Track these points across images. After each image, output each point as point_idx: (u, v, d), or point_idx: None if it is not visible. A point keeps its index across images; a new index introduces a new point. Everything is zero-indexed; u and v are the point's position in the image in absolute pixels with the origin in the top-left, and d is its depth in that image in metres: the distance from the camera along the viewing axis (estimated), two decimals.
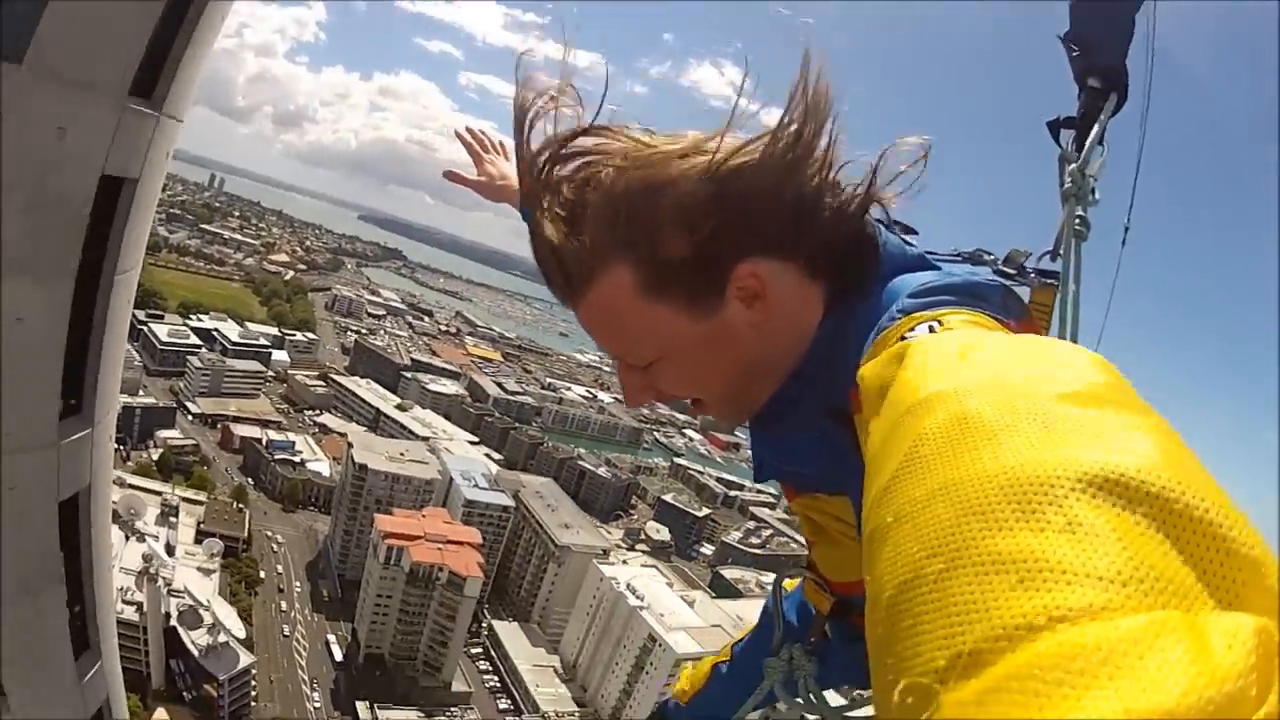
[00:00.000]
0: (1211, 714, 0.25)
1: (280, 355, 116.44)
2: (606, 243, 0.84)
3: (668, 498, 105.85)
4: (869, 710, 1.43)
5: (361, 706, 67.37)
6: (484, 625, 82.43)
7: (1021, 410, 0.42)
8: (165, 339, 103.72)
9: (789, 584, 1.71)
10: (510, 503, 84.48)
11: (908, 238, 0.95)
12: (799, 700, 1.49)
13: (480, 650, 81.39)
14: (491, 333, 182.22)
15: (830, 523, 1.10)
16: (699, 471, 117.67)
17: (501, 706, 74.76)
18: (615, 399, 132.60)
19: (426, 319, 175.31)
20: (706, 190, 0.80)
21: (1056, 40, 1.53)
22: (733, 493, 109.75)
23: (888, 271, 0.88)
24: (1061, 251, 1.35)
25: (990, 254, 1.20)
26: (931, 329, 0.65)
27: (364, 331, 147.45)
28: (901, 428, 0.49)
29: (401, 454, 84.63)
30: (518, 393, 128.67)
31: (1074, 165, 1.36)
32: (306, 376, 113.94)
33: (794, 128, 0.81)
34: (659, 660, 67.12)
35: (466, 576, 71.13)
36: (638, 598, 72.81)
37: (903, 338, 0.66)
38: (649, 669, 69.01)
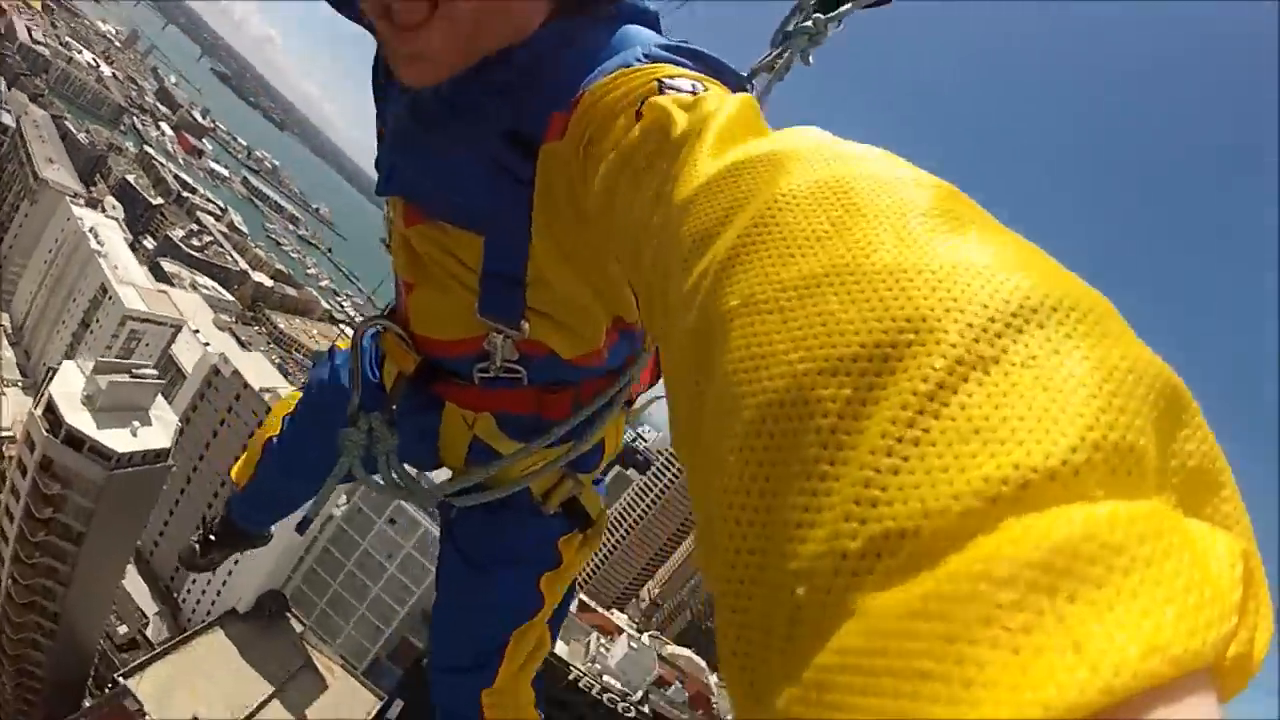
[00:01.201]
0: (1211, 647, 0.21)
1: None
2: None
3: (130, 178, 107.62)
4: (455, 486, 1.22)
5: None
6: None
7: (902, 196, 0.34)
8: None
9: (341, 343, 1.49)
10: (11, 123, 73.73)
11: None
12: (379, 480, 1.25)
13: None
14: None
15: (445, 261, 0.93)
16: (161, 164, 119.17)
17: None
18: (115, 75, 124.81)
19: None
20: None
21: None
22: (185, 194, 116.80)
23: (624, 11, 0.81)
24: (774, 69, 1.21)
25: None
26: (695, 90, 0.58)
27: None
28: (735, 182, 0.40)
29: None
30: (40, 43, 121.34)
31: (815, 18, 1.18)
32: None
33: None
34: (106, 316, 67.54)
35: None
36: (99, 243, 70.57)
37: (661, 82, 0.60)
38: (95, 326, 69.02)
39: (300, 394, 1.69)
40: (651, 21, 0.83)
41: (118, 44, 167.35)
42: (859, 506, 0.24)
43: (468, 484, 1.21)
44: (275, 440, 1.72)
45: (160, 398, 37.98)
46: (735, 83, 0.69)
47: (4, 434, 46.14)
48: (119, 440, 33.23)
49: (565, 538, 1.39)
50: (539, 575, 1.39)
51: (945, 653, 0.20)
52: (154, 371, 38.34)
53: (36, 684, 39.52)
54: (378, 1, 0.72)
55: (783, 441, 0.27)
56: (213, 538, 2.07)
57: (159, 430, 35.81)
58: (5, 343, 70.93)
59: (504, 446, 1.18)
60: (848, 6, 1.19)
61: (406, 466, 1.27)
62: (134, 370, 35.76)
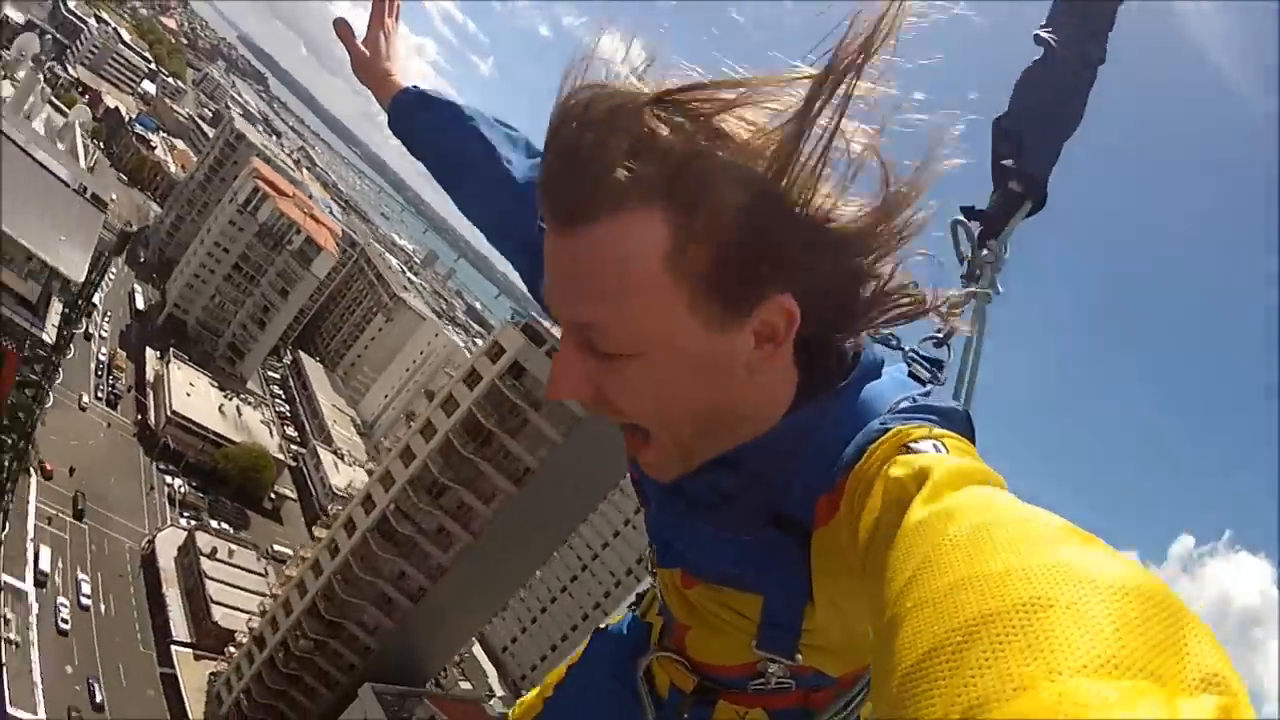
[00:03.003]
0: None
1: (149, 86, 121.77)
2: (659, 187, 0.67)
3: None
4: None
5: (152, 355, 69.21)
6: (286, 355, 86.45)
7: (1032, 528, 0.49)
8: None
9: (615, 617, 1.50)
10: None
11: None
12: None
13: (279, 377, 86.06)
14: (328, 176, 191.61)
15: (722, 613, 0.98)
16: None
17: (289, 433, 79.08)
18: (421, 284, 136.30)
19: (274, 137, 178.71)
20: (793, 212, 0.69)
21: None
22: None
23: (858, 374, 0.82)
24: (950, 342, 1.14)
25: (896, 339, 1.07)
26: (937, 449, 0.67)
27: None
28: (924, 532, 0.53)
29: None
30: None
31: (978, 257, 1.20)
32: (175, 107, 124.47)
33: (908, 213, 0.74)
34: None
35: (321, 249, 68.58)
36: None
37: (906, 447, 0.67)
38: None
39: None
40: (878, 366, 0.85)
41: (417, 260, 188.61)
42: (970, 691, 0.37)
43: None
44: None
45: None
46: (962, 423, 0.76)
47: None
48: None
49: None
50: None
51: None
52: None
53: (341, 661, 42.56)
54: (605, 414, 0.80)
55: (923, 674, 0.41)
56: None
57: None
58: (357, 433, 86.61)
59: None
60: (1015, 220, 1.24)
61: None
62: None
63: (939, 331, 0.95)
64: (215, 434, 67.16)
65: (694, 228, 0.68)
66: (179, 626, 51.05)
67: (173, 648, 49.13)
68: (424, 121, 1.33)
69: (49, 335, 36.46)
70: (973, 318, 1.14)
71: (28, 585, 42.42)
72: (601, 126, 0.68)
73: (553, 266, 0.73)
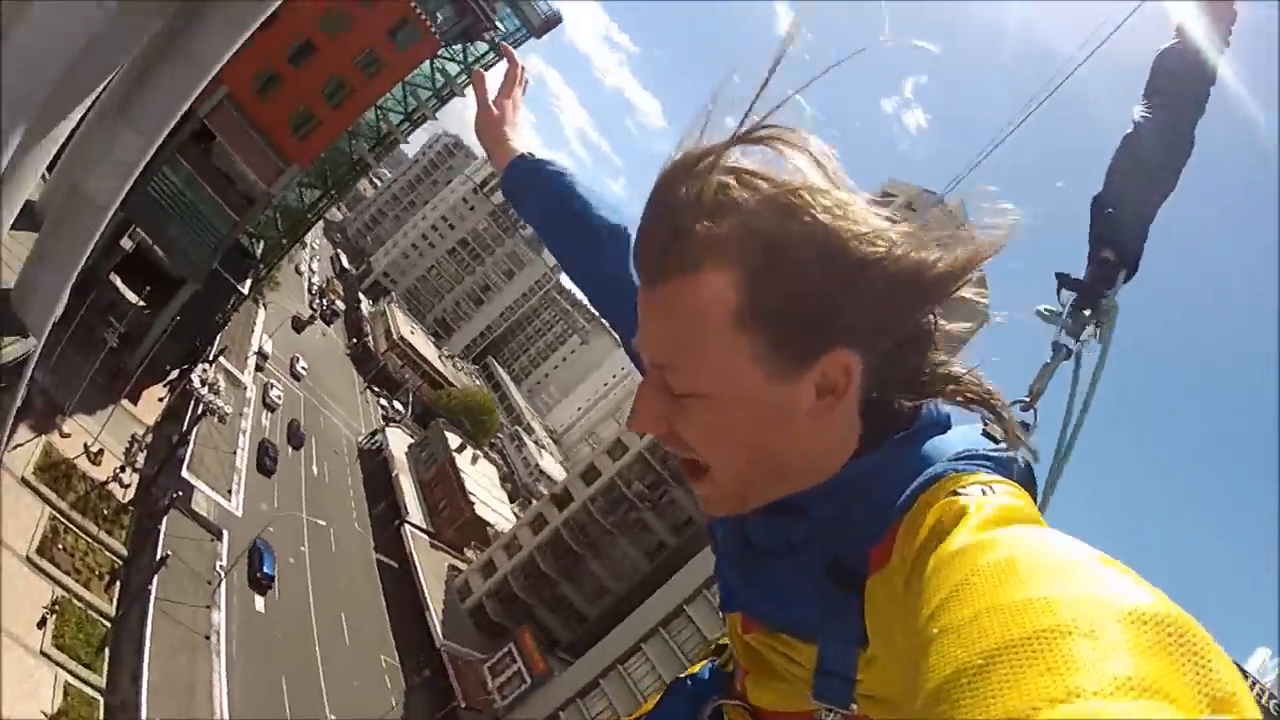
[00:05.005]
0: None
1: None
2: (733, 251, 0.74)
3: None
4: None
5: (365, 300, 68.50)
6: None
7: (1063, 559, 0.52)
8: None
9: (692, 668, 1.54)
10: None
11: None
12: None
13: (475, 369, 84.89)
14: None
15: (779, 660, 1.00)
16: None
17: None
18: None
19: None
20: (863, 268, 0.74)
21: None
22: None
23: (920, 426, 0.86)
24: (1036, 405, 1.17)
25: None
26: (984, 493, 0.69)
27: None
28: (957, 562, 0.57)
29: None
30: None
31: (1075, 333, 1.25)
32: None
33: (976, 274, 0.78)
34: None
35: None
36: None
37: (955, 492, 0.70)
38: None
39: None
40: (942, 420, 0.88)
41: None
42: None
43: None
44: None
45: None
46: (1022, 475, 0.80)
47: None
48: None
49: None
50: None
51: None
52: None
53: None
54: (674, 448, 0.85)
55: (945, 695, 0.43)
56: None
57: None
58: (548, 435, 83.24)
59: None
60: (1116, 286, 1.27)
61: None
62: None
63: (1029, 396, 1.01)
64: (437, 371, 66.02)
65: (759, 288, 0.74)
66: (414, 514, 49.91)
67: (406, 528, 47.47)
68: (534, 193, 1.38)
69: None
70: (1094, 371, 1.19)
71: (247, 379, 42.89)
72: (688, 186, 0.75)
73: (641, 311, 0.82)
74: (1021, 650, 0.42)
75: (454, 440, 58.67)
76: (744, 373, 0.77)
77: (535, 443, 77.48)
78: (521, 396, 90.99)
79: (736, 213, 0.75)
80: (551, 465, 72.97)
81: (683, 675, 1.51)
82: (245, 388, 43.06)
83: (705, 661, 1.46)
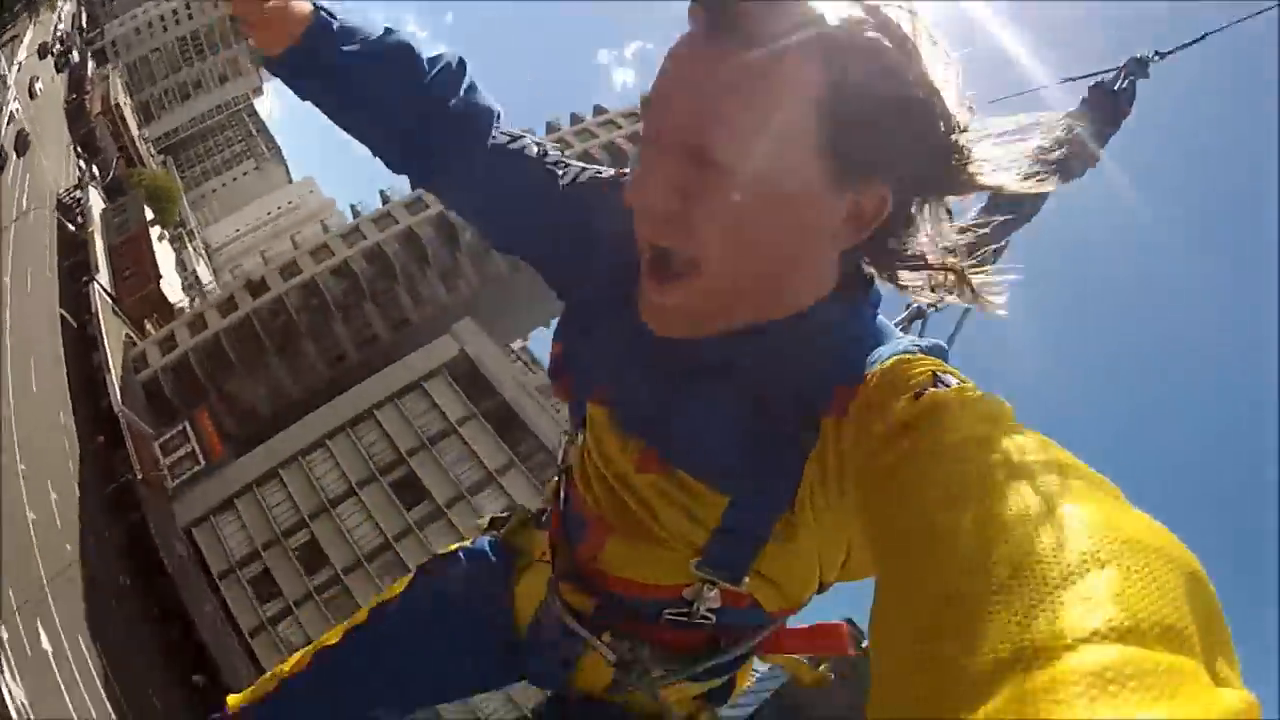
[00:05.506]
0: None
1: None
2: (834, 41, 0.70)
3: None
4: None
5: None
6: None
7: (1098, 482, 0.51)
8: None
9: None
10: None
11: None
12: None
13: None
14: None
15: (671, 515, 0.89)
16: None
17: None
18: None
19: None
20: (935, 131, 0.74)
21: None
22: None
23: (875, 299, 0.86)
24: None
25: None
26: (962, 384, 0.68)
27: None
28: (982, 448, 0.55)
29: None
30: None
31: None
32: None
33: (1051, 174, 0.76)
34: None
35: None
36: None
37: (935, 375, 0.68)
38: None
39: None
40: (877, 307, 0.88)
41: None
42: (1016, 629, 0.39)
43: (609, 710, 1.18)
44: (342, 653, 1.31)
45: None
46: (946, 357, 0.79)
47: None
48: None
49: None
50: None
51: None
52: None
53: None
54: (648, 228, 0.77)
55: (966, 598, 0.43)
56: None
57: None
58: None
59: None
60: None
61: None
62: None
63: (932, 306, 1.02)
64: (136, 150, 68.93)
65: (846, 94, 0.70)
66: (103, 276, 47.47)
67: (94, 286, 45.02)
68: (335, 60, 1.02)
69: None
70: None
71: None
72: None
73: (684, 73, 0.73)
74: (1057, 570, 0.41)
75: (149, 213, 62.55)
76: (803, 162, 0.72)
77: (194, 250, 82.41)
78: (187, 203, 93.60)
79: (859, 27, 0.71)
80: (205, 274, 78.36)
81: (442, 553, 1.33)
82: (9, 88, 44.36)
83: (477, 538, 1.31)
